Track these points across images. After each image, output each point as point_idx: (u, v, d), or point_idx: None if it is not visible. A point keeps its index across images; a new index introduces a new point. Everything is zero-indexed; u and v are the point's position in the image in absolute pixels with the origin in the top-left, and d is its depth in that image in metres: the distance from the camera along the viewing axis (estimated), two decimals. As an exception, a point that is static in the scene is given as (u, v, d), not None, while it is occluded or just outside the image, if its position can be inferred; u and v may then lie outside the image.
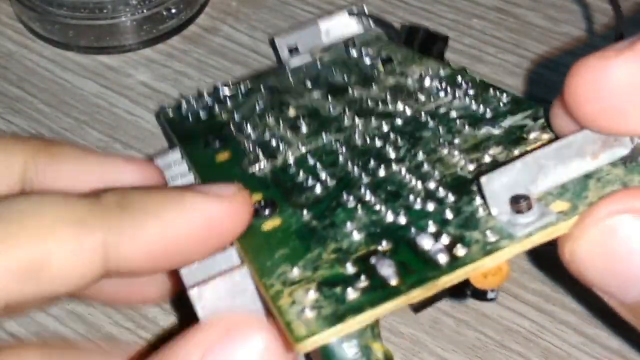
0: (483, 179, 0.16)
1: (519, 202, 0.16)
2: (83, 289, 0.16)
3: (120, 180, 0.20)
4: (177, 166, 0.24)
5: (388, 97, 0.23)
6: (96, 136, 0.31)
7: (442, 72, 0.24)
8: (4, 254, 0.15)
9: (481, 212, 0.17)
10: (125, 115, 0.31)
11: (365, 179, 0.19)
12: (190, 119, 0.27)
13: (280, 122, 0.24)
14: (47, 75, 0.33)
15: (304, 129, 0.23)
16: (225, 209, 0.17)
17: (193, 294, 0.17)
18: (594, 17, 0.34)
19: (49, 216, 0.15)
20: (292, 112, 0.25)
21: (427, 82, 0.24)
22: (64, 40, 0.33)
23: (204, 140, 0.24)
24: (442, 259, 0.16)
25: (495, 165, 0.18)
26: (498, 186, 0.16)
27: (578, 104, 0.15)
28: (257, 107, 0.26)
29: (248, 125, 0.24)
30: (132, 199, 0.16)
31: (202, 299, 0.17)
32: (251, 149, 0.23)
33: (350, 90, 0.25)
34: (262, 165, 0.22)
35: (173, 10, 0.33)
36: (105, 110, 0.32)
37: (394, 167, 0.20)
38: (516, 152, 0.18)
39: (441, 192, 0.18)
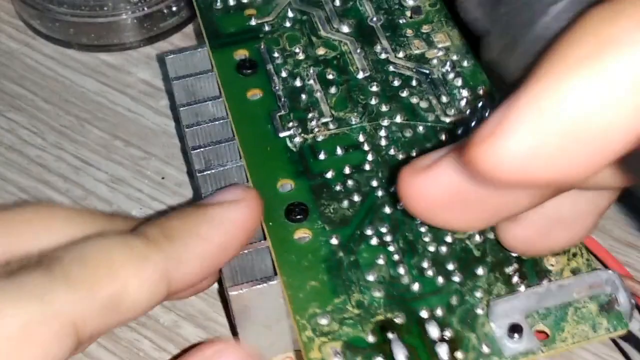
0: (492, 304, 0.19)
1: (514, 328, 0.19)
2: (151, 310, 0.19)
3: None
4: (207, 80, 0.24)
5: (412, 87, 0.24)
6: (97, 134, 0.31)
7: (465, 65, 0.24)
8: (88, 294, 0.17)
9: (480, 312, 0.19)
10: (126, 113, 0.31)
11: (388, 210, 0.21)
12: (219, 2, 0.27)
13: (309, 64, 0.25)
14: (47, 73, 0.33)
15: (332, 89, 0.24)
16: (243, 211, 0.20)
17: (232, 294, 0.20)
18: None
19: (118, 256, 0.18)
20: (321, 51, 0.25)
21: (450, 75, 0.24)
22: (64, 37, 0.33)
23: (237, 59, 0.25)
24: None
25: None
26: (502, 310, 0.19)
27: (410, 206, 0.17)
28: (287, 19, 0.26)
29: (279, 56, 0.25)
30: (172, 228, 0.19)
31: (239, 298, 0.20)
32: (282, 96, 0.24)
33: (378, 43, 0.25)
34: (292, 132, 0.23)
35: (174, 8, 0.33)
36: (106, 108, 0.32)
37: None
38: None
39: (450, 265, 0.20)
